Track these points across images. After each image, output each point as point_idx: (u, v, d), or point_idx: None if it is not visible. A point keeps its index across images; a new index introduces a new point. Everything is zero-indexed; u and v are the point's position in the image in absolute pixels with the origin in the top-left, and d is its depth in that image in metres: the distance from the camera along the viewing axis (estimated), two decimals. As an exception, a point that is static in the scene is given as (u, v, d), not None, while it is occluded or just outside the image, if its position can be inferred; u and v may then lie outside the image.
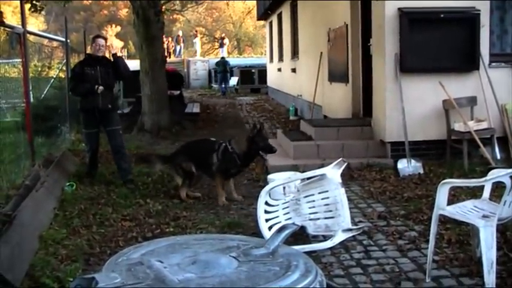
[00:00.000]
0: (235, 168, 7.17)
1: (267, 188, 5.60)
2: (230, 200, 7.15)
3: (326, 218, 5.57)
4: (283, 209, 5.66)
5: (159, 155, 8.16)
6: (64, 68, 12.32)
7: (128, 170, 8.16)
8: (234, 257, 1.93)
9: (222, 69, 28.13)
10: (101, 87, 7.84)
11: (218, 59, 30.05)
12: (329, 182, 5.54)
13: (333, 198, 5.53)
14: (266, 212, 5.51)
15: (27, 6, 12.80)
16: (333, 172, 5.55)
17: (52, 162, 8.06)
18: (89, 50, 8.80)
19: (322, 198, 5.61)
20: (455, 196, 6.59)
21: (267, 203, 5.54)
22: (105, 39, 8.50)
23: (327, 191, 5.58)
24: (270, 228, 5.38)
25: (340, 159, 5.75)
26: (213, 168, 7.15)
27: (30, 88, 8.80)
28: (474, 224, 4.40)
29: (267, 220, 5.47)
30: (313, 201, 5.64)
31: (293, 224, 2.13)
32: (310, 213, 5.62)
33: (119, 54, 9.52)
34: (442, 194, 4.53)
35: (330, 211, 5.56)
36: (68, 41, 12.36)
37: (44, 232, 5.70)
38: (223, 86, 27.97)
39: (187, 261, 1.89)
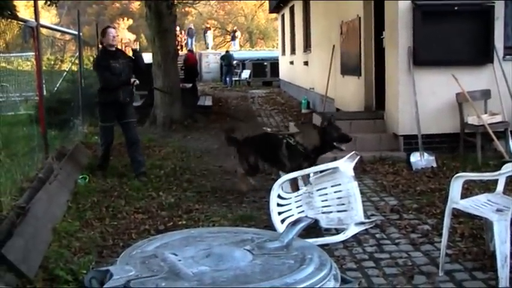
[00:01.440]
0: (305, 162, 6.69)
1: (279, 181, 5.60)
2: None
3: (339, 211, 5.56)
4: (296, 202, 5.66)
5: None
6: (77, 62, 12.36)
7: (142, 162, 8.16)
8: (248, 250, 1.93)
9: (227, 63, 28.96)
10: (137, 81, 8.01)
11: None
12: (342, 175, 5.52)
13: (346, 192, 5.51)
14: (279, 205, 5.50)
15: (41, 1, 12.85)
16: (346, 165, 5.54)
17: (65, 155, 8.10)
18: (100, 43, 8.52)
19: (335, 192, 5.60)
20: (469, 190, 6.56)
21: (279, 196, 5.54)
22: (115, 28, 8.48)
23: (339, 184, 5.56)
24: (282, 221, 5.38)
25: (353, 152, 5.74)
26: (284, 163, 6.83)
27: (43, 81, 8.82)
28: (488, 218, 4.39)
29: (279, 213, 5.46)
30: (326, 194, 5.63)
31: (307, 217, 2.12)
32: (322, 207, 5.61)
33: (133, 47, 9.37)
34: (456, 187, 4.51)
35: (343, 204, 5.54)
36: (81, 34, 12.39)
37: (58, 224, 5.74)
38: (227, 78, 28.79)
39: (202, 254, 1.89)
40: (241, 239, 2.06)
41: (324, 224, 5.50)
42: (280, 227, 5.19)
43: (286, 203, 5.59)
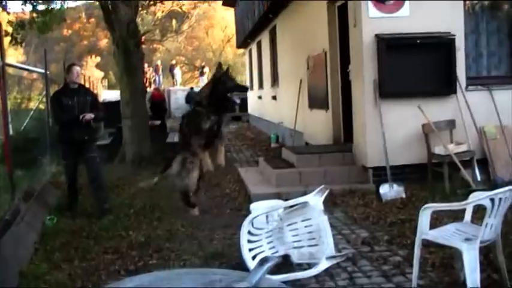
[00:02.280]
0: (208, 123, 6.40)
1: (249, 217, 5.58)
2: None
3: (310, 245, 5.55)
4: (267, 237, 5.64)
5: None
6: (44, 100, 12.27)
7: (104, 199, 8.15)
8: (216, 292, 1.92)
9: (190, 99, 29.13)
10: (87, 116, 7.80)
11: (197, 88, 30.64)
12: (312, 210, 5.53)
13: (316, 226, 5.52)
14: (249, 241, 5.47)
15: (7, 39, 12.79)
16: (315, 199, 5.55)
17: (32, 195, 7.99)
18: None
19: (306, 226, 5.60)
20: (438, 219, 6.59)
21: (250, 233, 5.51)
22: (80, 67, 8.56)
23: (310, 219, 5.57)
24: (253, 257, 5.35)
25: (322, 186, 5.76)
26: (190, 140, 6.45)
27: (10, 120, 8.74)
28: (457, 247, 4.42)
29: (250, 249, 5.43)
30: (297, 229, 5.63)
31: (275, 256, 2.11)
32: (294, 241, 5.60)
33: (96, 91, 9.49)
34: (424, 218, 4.56)
35: (314, 239, 5.54)
36: (48, 72, 12.33)
37: (25, 267, 5.64)
38: None
39: (169, 296, 1.88)
40: (209, 280, 2.04)
41: (295, 259, 5.48)
42: (252, 264, 5.16)
43: (257, 239, 5.57)
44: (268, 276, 2.10)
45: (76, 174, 8.21)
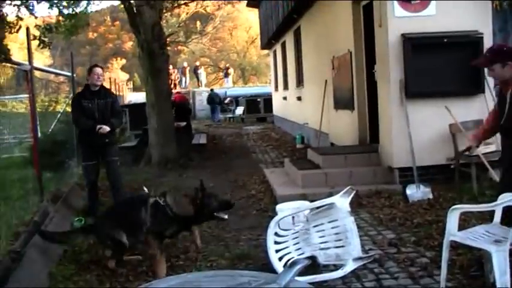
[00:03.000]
0: (172, 229, 5.76)
1: (276, 218, 5.58)
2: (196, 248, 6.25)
3: (336, 247, 5.54)
4: (293, 239, 5.64)
5: (70, 232, 6.64)
6: (70, 102, 12.39)
7: None
8: (245, 294, 1.92)
9: (211, 101, 30.61)
10: (103, 128, 7.80)
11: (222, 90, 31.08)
12: (338, 211, 5.52)
13: (343, 227, 5.50)
14: (276, 242, 5.47)
15: (34, 43, 12.95)
16: (342, 201, 5.54)
17: (60, 198, 8.07)
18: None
19: (332, 227, 5.59)
20: (466, 221, 6.54)
21: (276, 234, 5.51)
22: (102, 68, 8.42)
23: (336, 220, 5.56)
24: (280, 259, 5.35)
25: (349, 187, 5.74)
26: (143, 228, 5.65)
27: (38, 123, 8.85)
28: (486, 250, 4.37)
29: (276, 251, 5.43)
30: (323, 230, 5.62)
31: (304, 258, 2.11)
32: (320, 243, 5.59)
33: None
34: (452, 219, 4.51)
35: (340, 240, 5.53)
36: (74, 75, 12.46)
37: (54, 268, 5.69)
38: (214, 115, 30.42)
39: (199, 299, 1.88)
40: (238, 283, 2.04)
41: (322, 260, 5.46)
42: (278, 265, 5.16)
43: (283, 240, 5.57)
44: (295, 278, 2.09)
45: (96, 177, 8.19)
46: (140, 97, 28.15)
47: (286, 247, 5.54)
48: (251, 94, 30.94)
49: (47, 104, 11.31)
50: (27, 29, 8.54)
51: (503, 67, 4.80)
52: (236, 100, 30.64)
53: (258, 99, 29.42)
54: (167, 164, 12.72)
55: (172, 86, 26.66)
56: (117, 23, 60.96)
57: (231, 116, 29.93)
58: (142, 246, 5.92)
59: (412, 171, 8.51)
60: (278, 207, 6.93)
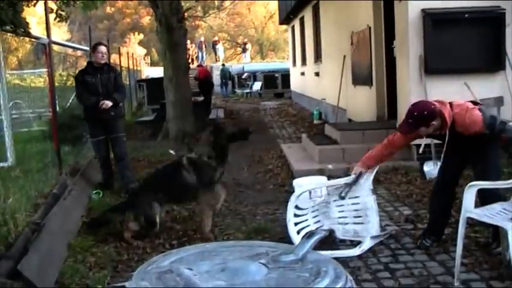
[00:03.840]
0: (217, 172, 6.05)
1: (297, 192, 5.59)
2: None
3: (355, 223, 5.55)
4: (312, 212, 5.65)
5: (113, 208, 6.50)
6: (74, 79, 12.42)
7: (131, 178, 8.14)
8: (263, 264, 1.92)
9: (223, 76, 31.18)
10: (105, 104, 7.78)
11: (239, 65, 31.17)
12: (360, 188, 5.51)
13: (363, 204, 5.51)
14: (295, 215, 5.49)
15: (52, 16, 12.97)
16: (365, 178, 5.52)
17: (78, 171, 8.14)
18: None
19: (353, 204, 5.59)
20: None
21: (296, 207, 5.53)
22: (106, 46, 8.43)
23: (357, 197, 5.55)
24: (298, 232, 5.37)
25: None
26: (191, 189, 5.94)
27: (56, 97, 8.89)
28: (503, 227, 4.35)
29: (295, 224, 5.45)
30: (343, 205, 5.63)
31: (322, 230, 2.11)
32: (339, 217, 5.60)
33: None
34: (469, 196, 4.50)
35: (360, 217, 5.54)
36: (92, 49, 12.48)
37: (73, 240, 5.76)
38: (224, 89, 30.97)
39: (217, 268, 1.89)
40: (256, 253, 2.06)
41: (339, 234, 5.48)
42: (296, 238, 5.18)
43: (303, 213, 5.59)
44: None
45: (107, 151, 8.18)
46: (158, 72, 28.18)
47: (305, 220, 5.56)
48: (269, 70, 30.85)
49: (65, 78, 11.34)
50: (45, 2, 8.55)
51: (428, 127, 4.93)
52: (254, 75, 30.56)
53: (276, 75, 29.32)
54: (185, 138, 12.76)
55: (190, 60, 26.65)
56: (135, -3, 60.84)
57: (248, 91, 29.87)
58: (196, 205, 6.37)
59: (430, 147, 8.45)
60: (295, 182, 6.93)
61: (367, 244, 5.27)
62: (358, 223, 5.53)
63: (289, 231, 5.35)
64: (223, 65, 32.13)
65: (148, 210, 5.91)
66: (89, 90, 7.86)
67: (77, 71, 8.54)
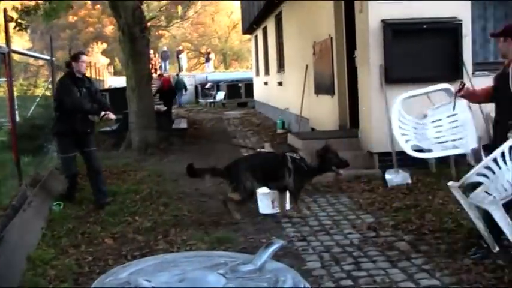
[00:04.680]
0: (308, 180, 7.15)
1: (401, 96, 5.77)
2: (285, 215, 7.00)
3: (453, 140, 5.82)
4: (413, 128, 5.87)
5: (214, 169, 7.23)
6: (50, 86, 12.27)
7: (105, 193, 7.95)
8: (222, 274, 1.93)
9: (177, 85, 30.08)
10: (111, 115, 7.85)
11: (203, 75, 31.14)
12: (458, 105, 5.80)
13: (462, 120, 5.85)
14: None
15: (12, 25, 12.79)
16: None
17: (39, 182, 8.01)
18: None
19: (450, 122, 5.98)
20: (444, 205, 6.67)
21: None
22: (86, 54, 8.20)
23: (454, 114, 5.89)
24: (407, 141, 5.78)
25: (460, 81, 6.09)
26: (286, 182, 6.84)
27: (16, 107, 8.75)
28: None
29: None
30: (441, 125, 5.95)
31: (278, 240, 2.13)
32: (436, 137, 5.83)
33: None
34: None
35: (457, 133, 5.95)
36: (54, 59, 12.33)
37: (32, 252, 5.67)
38: (179, 99, 30.23)
39: (176, 279, 1.89)
40: (215, 263, 2.06)
41: (439, 150, 5.92)
42: (405, 145, 5.82)
43: (405, 124, 5.79)
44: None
45: (76, 166, 7.95)
46: (121, 81, 27.95)
47: (407, 130, 5.75)
48: (232, 79, 30.93)
49: (25, 88, 11.18)
50: (5, 10, 8.44)
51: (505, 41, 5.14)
52: (217, 85, 30.57)
53: (239, 84, 29.39)
54: (147, 149, 12.70)
55: (153, 70, 26.55)
56: (98, 6, 60.31)
57: (212, 101, 29.85)
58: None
59: (391, 156, 8.56)
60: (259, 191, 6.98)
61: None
62: (457, 139, 5.87)
63: (394, 135, 5.77)
64: (177, 75, 32.11)
65: (249, 183, 6.74)
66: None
67: (62, 79, 8.07)
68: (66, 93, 7.57)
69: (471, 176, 4.89)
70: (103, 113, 7.67)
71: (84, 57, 7.76)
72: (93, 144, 7.91)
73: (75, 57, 7.72)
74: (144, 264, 2.12)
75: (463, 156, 8.15)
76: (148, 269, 2.04)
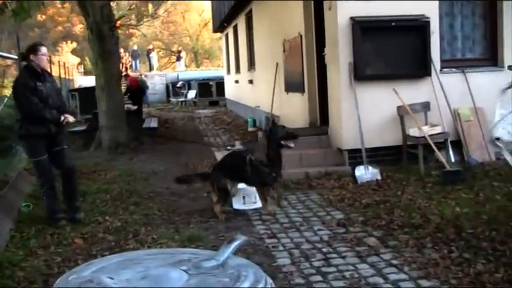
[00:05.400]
0: (269, 177, 6.95)
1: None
2: (278, 206, 7.24)
3: None
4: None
5: (198, 174, 8.18)
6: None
7: (77, 197, 7.23)
8: (184, 271, 1.93)
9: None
10: (70, 118, 6.99)
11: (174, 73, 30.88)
12: None
13: None
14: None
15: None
16: None
17: (7, 183, 7.92)
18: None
19: None
20: (412, 200, 6.77)
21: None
22: (46, 47, 7.03)
23: None
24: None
25: None
26: (250, 180, 7.00)
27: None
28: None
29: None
30: None
31: (242, 236, 2.14)
32: None
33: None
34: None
35: None
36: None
37: (1, 255, 5.60)
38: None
39: (138, 276, 1.89)
40: (178, 260, 2.07)
41: None
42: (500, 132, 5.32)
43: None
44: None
45: (52, 170, 6.99)
46: (91, 81, 27.66)
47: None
48: (203, 78, 30.86)
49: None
50: (-30, 10, 8.30)
51: None
52: (188, 84, 30.47)
53: (211, 83, 29.36)
54: (118, 148, 12.61)
55: (123, 69, 26.35)
56: (67, 5, 59.66)
57: (183, 99, 29.75)
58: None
59: (361, 153, 8.63)
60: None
61: None
62: None
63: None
64: (140, 75, 31.92)
65: (219, 180, 6.94)
66: (38, 101, 6.66)
67: (20, 77, 7.11)
68: (23, 97, 6.70)
69: None
70: (62, 117, 6.77)
71: (44, 49, 6.75)
72: (64, 142, 7.10)
73: (33, 49, 6.74)
74: (108, 262, 2.12)
75: (431, 151, 8.35)
76: (111, 267, 2.04)
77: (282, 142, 6.89)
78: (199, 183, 7.71)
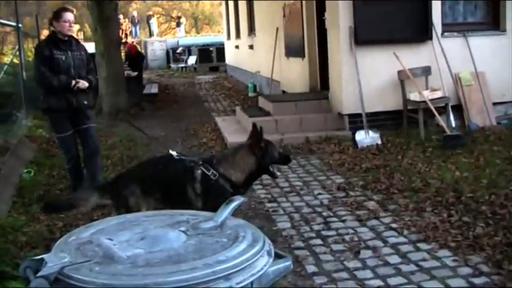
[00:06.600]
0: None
1: None
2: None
3: None
4: None
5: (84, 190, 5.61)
6: (17, 54, 12.08)
7: (100, 179, 6.60)
8: (183, 231, 1.95)
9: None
10: (81, 83, 6.26)
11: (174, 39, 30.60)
12: None
13: None
14: None
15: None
16: None
17: (8, 150, 7.94)
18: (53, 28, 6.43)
19: None
20: (412, 164, 6.78)
21: None
22: (73, 12, 6.43)
23: None
24: None
25: None
26: (193, 205, 4.24)
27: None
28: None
29: None
30: None
31: (240, 197, 2.15)
32: None
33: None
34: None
35: None
36: (21, 25, 12.11)
37: (3, 220, 5.64)
38: None
39: (137, 237, 1.91)
40: (176, 221, 2.08)
41: None
42: None
43: None
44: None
45: (77, 146, 6.58)
46: (90, 47, 27.57)
47: None
48: (203, 43, 30.61)
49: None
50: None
51: None
52: (189, 50, 30.28)
53: (211, 49, 29.14)
54: (118, 114, 12.60)
55: (123, 36, 26.17)
56: (65, -29, 59.09)
57: (183, 65, 29.59)
58: None
59: (361, 117, 8.63)
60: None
61: None
62: None
63: None
64: (132, 42, 31.74)
65: (134, 198, 4.44)
66: (56, 71, 6.17)
67: (37, 45, 6.76)
68: (34, 66, 6.41)
69: None
70: (73, 82, 6.19)
71: (67, 16, 6.22)
72: (90, 119, 6.57)
73: (56, 15, 6.27)
74: (106, 224, 2.13)
75: (431, 116, 8.34)
76: (110, 229, 2.05)
77: (270, 168, 4.57)
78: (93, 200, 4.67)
